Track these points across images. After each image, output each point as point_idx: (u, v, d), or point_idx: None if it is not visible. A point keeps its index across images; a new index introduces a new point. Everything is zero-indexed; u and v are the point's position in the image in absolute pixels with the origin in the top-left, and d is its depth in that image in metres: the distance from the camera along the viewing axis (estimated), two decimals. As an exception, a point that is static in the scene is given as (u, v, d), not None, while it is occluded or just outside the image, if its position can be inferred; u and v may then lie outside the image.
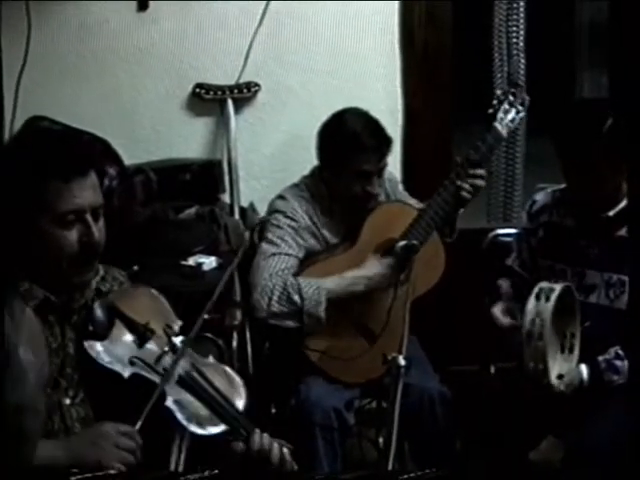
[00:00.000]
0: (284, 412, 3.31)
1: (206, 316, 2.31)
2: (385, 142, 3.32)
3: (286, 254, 3.26)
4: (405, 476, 1.75)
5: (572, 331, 2.96)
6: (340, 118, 3.36)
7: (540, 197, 3.24)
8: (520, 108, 3.30)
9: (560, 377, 2.85)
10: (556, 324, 2.86)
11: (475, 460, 3.10)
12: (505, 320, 3.04)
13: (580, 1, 7.07)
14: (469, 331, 3.60)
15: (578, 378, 2.88)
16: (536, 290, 2.84)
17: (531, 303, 2.82)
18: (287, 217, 3.31)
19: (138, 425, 2.13)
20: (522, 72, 4.24)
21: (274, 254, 3.25)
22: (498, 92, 3.37)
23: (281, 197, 3.39)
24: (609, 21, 4.82)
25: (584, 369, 2.90)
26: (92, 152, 2.37)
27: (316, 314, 3.15)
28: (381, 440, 3.70)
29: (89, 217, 2.21)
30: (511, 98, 3.30)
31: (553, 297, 2.80)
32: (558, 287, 2.84)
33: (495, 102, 3.32)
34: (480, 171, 3.26)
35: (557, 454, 2.93)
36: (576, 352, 2.94)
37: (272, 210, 3.39)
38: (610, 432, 2.68)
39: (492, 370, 3.47)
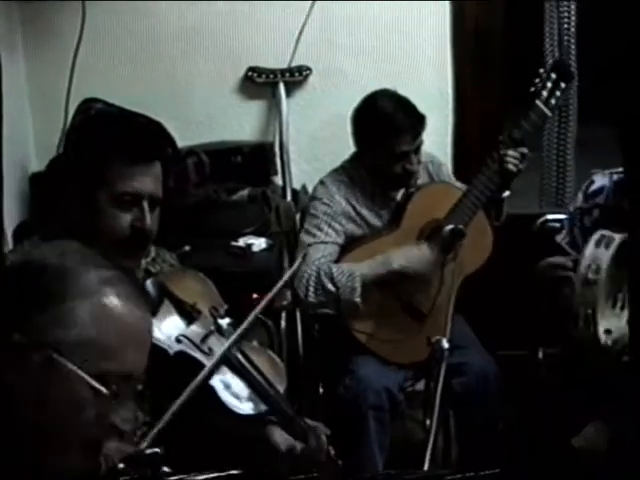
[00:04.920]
0: (332, 392, 3.33)
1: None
2: (419, 121, 3.30)
3: (322, 242, 3.29)
4: (450, 477, 1.76)
5: None
6: (371, 101, 3.36)
7: (598, 178, 3.17)
8: (563, 85, 3.26)
9: (608, 332, 2.73)
10: (613, 277, 2.74)
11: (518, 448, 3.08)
12: (559, 259, 2.94)
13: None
14: (517, 315, 3.59)
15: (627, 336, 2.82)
16: (596, 237, 2.76)
17: (590, 248, 2.73)
18: (323, 204, 3.34)
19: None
20: (573, 57, 4.22)
21: (310, 244, 3.28)
22: (541, 70, 3.32)
23: (321, 182, 3.43)
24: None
25: None
26: (162, 142, 2.38)
27: (352, 300, 3.18)
28: (428, 422, 3.71)
29: (146, 204, 2.23)
30: (553, 76, 3.26)
31: (613, 245, 2.71)
32: (619, 237, 2.73)
33: (537, 80, 3.29)
34: (523, 149, 3.25)
35: (601, 441, 2.90)
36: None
37: (311, 196, 3.43)
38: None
39: (540, 355, 3.45)
